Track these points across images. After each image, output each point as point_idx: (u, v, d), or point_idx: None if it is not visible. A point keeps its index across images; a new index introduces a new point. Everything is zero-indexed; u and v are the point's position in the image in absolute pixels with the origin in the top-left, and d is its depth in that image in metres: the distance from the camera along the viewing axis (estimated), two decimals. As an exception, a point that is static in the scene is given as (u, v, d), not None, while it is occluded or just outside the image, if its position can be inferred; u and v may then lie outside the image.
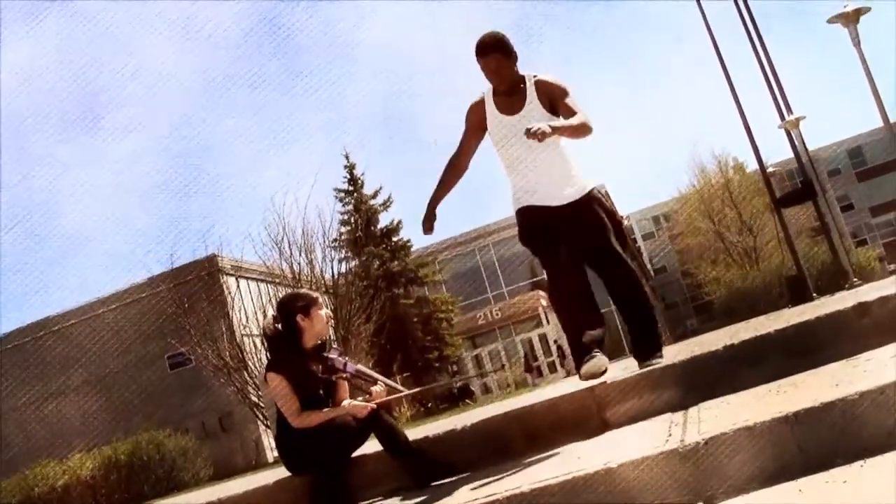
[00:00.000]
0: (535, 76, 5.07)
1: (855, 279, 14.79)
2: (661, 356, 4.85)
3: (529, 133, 4.51)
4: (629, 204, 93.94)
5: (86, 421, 29.79)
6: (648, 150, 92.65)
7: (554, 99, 4.98)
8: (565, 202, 4.96)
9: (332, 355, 4.66)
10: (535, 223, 5.04)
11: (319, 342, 4.72)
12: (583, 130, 4.87)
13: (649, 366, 4.60)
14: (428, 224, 5.24)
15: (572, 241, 4.96)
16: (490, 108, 5.12)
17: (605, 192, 4.78)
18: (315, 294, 4.92)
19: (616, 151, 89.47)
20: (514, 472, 3.78)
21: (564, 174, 5.01)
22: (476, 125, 5.19)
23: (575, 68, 76.68)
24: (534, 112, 4.95)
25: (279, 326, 4.72)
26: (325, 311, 4.76)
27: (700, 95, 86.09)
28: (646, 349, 4.96)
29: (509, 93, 5.06)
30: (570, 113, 4.88)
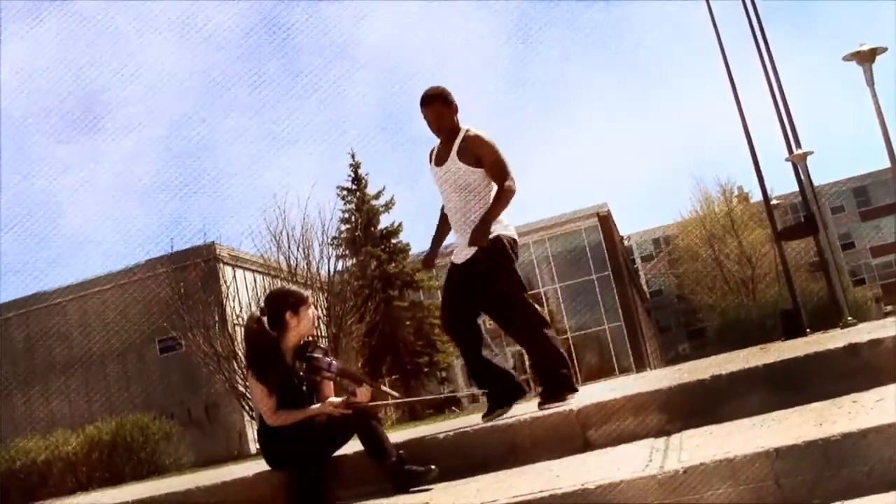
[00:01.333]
0: (467, 130, 5.44)
1: (850, 318, 14.79)
2: (561, 401, 5.03)
3: (476, 242, 5.19)
4: (631, 223, 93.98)
5: (71, 399, 29.74)
6: (652, 169, 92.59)
7: (480, 158, 5.37)
8: (469, 256, 5.34)
9: (317, 354, 4.65)
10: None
11: (304, 341, 4.72)
12: (507, 198, 5.34)
13: (546, 409, 4.78)
14: (429, 263, 5.76)
15: (474, 293, 5.35)
16: (433, 155, 5.58)
17: (513, 239, 5.22)
18: (306, 293, 4.91)
19: (620, 169, 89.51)
20: (492, 484, 3.79)
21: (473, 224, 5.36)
22: None
23: (575, 68, 76.71)
24: (452, 167, 5.41)
25: (265, 320, 4.71)
26: (312, 311, 4.76)
27: (708, 118, 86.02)
28: (545, 395, 5.26)
29: (446, 142, 5.48)
30: (494, 177, 5.35)
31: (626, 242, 62.57)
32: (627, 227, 67.82)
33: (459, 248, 5.47)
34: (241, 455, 23.63)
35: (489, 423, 4.68)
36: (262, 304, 4.86)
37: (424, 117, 5.47)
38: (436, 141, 5.59)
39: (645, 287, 66.79)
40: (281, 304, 4.70)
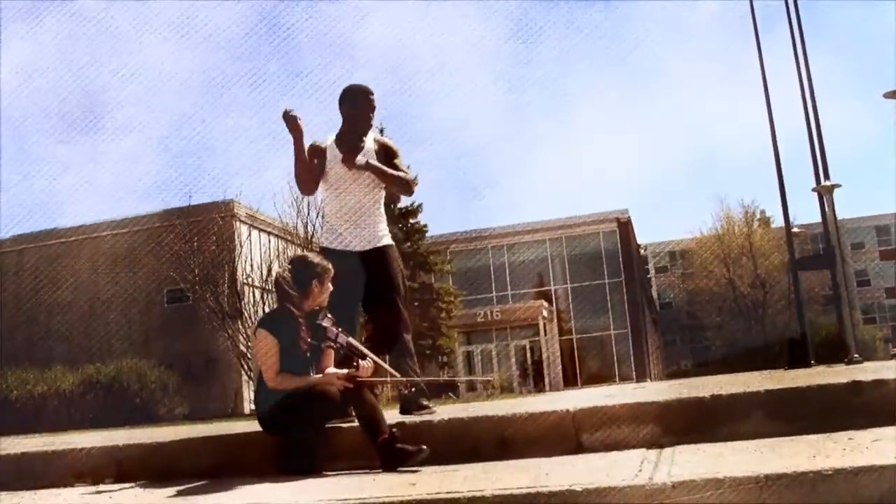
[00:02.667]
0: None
1: (856, 355, 14.72)
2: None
3: (349, 161, 5.49)
4: (651, 233, 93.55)
5: (72, 339, 29.85)
6: (672, 173, 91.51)
7: (390, 156, 5.68)
8: (368, 248, 5.59)
9: (326, 324, 4.70)
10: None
11: (313, 310, 4.77)
12: (406, 187, 5.82)
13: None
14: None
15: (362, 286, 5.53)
16: (333, 153, 5.68)
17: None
18: (329, 265, 4.99)
19: (641, 174, 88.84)
20: (480, 474, 3.80)
21: (372, 224, 5.65)
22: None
23: (575, 68, 76.11)
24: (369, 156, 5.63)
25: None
26: (330, 286, 4.83)
27: (730, 123, 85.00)
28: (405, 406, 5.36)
29: (359, 139, 5.68)
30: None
31: (643, 252, 62.39)
32: (646, 235, 67.40)
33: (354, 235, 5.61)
34: (235, 414, 23.78)
35: (482, 414, 4.68)
36: (290, 265, 4.92)
37: (360, 107, 5.74)
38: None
39: (656, 298, 66.62)
40: (311, 271, 4.78)
